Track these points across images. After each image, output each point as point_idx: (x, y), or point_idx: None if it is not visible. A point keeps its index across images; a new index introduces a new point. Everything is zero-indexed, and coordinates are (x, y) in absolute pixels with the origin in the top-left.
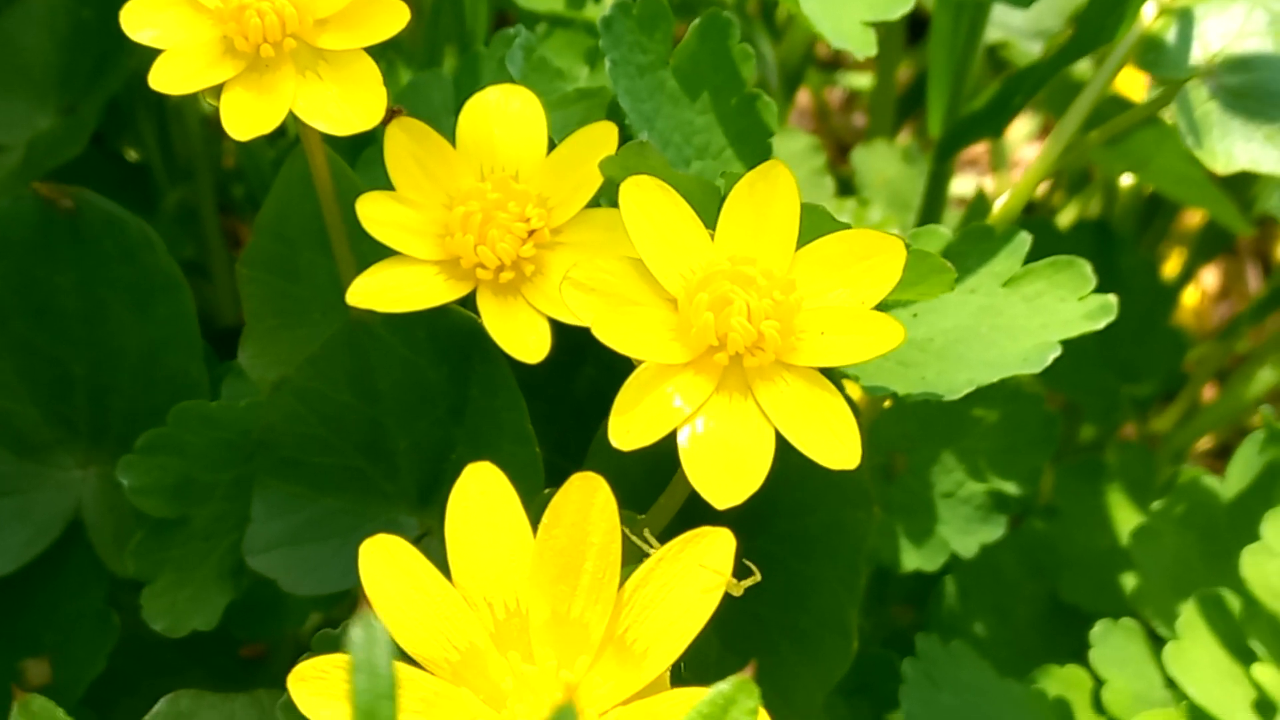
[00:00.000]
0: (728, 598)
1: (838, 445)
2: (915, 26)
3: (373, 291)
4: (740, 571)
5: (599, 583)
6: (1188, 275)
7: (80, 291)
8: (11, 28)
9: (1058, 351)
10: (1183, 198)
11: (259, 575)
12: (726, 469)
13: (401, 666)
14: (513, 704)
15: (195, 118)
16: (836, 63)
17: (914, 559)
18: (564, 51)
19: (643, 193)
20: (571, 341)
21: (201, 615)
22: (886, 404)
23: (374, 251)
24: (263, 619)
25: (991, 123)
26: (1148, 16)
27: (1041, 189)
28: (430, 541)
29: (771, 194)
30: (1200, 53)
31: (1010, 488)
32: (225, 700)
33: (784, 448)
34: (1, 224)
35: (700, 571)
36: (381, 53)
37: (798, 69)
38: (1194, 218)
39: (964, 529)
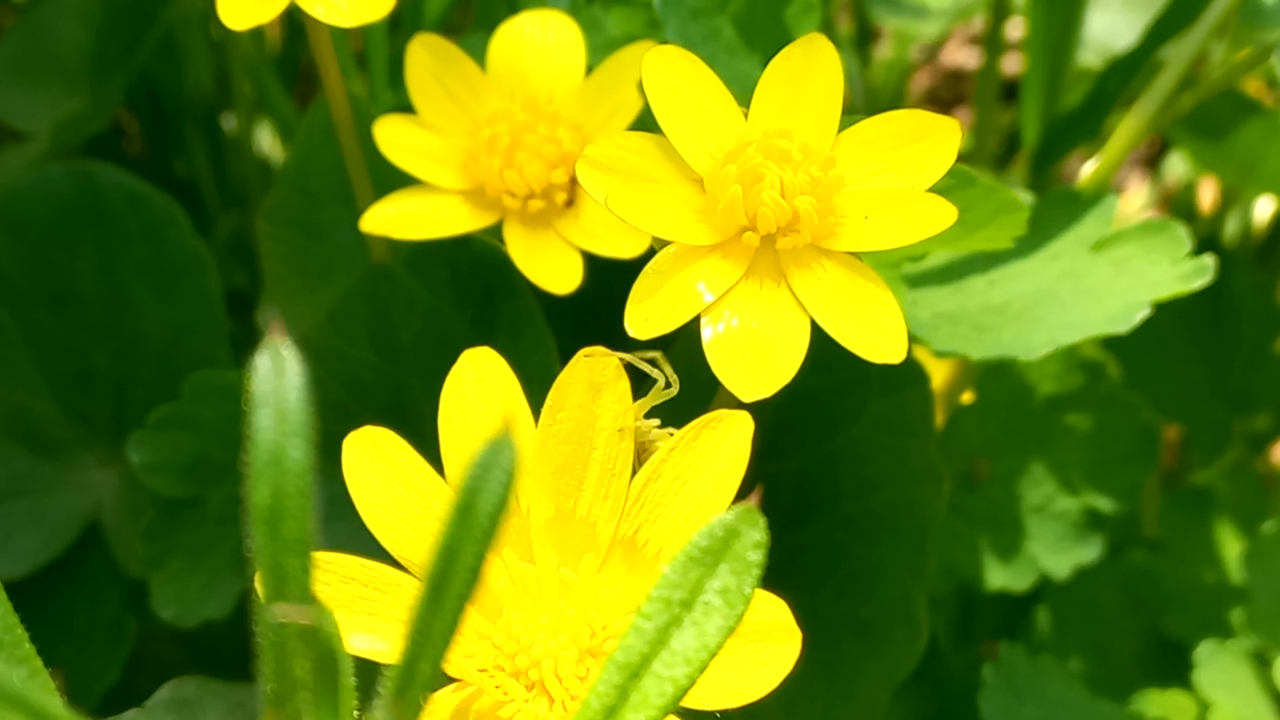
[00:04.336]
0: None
1: (880, 337)
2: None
3: (390, 218)
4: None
5: (608, 474)
6: None
7: (101, 275)
8: (44, 17)
9: (1147, 311)
10: None
11: None
12: (754, 359)
13: (390, 571)
14: (509, 611)
15: (251, 143)
16: (933, 99)
17: (999, 576)
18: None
19: (668, 63)
20: (606, 274)
21: (214, 603)
22: (966, 398)
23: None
24: None
25: (1089, 119)
26: None
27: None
28: None
29: (812, 68)
30: None
31: (1105, 504)
32: (231, 689)
33: (848, 418)
34: (19, 205)
35: (717, 461)
36: None
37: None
38: None
39: (1055, 547)
